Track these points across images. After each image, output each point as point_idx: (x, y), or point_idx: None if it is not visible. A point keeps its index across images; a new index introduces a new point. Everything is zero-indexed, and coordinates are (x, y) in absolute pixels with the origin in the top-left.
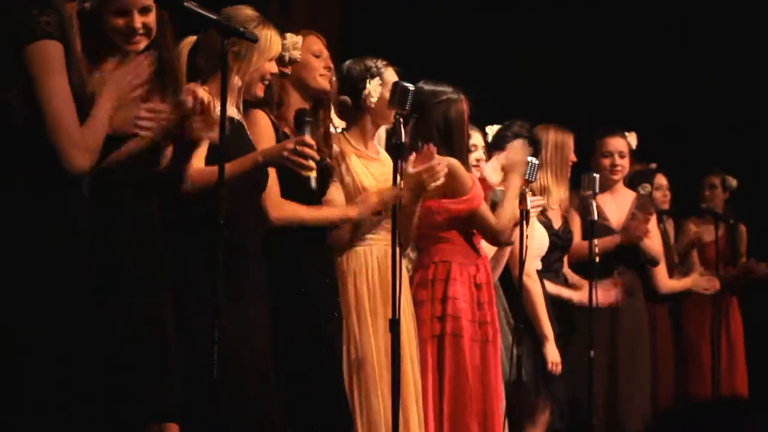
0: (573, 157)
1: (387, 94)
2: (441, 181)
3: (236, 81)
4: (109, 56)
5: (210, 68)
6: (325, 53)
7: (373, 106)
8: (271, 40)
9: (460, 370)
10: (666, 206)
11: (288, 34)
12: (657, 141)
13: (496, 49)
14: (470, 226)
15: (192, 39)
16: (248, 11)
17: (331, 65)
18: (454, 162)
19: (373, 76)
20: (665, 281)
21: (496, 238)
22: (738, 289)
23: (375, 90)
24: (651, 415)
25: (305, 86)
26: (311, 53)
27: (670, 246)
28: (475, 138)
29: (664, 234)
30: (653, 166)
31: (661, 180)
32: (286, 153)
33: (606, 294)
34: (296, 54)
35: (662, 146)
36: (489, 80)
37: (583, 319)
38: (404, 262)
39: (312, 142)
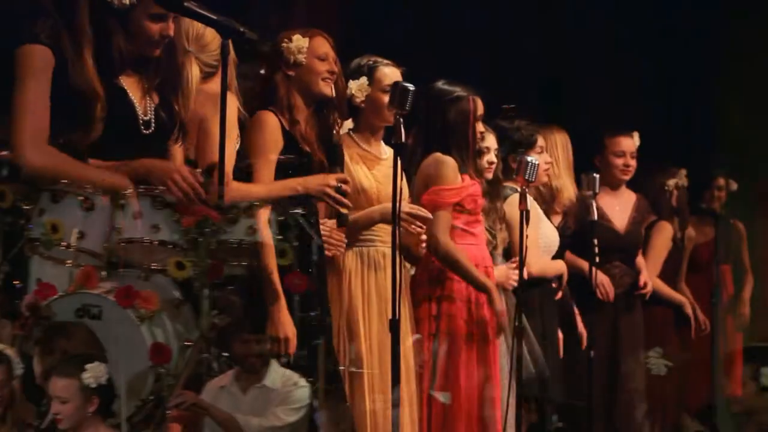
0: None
1: (381, 94)
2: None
3: None
4: (128, 63)
5: None
6: (331, 56)
7: (362, 105)
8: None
9: (452, 370)
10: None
11: (295, 36)
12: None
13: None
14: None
15: None
16: None
17: (336, 69)
18: (441, 157)
19: (361, 75)
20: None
21: (433, 247)
22: None
23: (359, 90)
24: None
25: (307, 90)
26: (316, 56)
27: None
28: (489, 140)
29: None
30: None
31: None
32: (328, 189)
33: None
34: (301, 57)
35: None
36: (489, 78)
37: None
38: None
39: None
